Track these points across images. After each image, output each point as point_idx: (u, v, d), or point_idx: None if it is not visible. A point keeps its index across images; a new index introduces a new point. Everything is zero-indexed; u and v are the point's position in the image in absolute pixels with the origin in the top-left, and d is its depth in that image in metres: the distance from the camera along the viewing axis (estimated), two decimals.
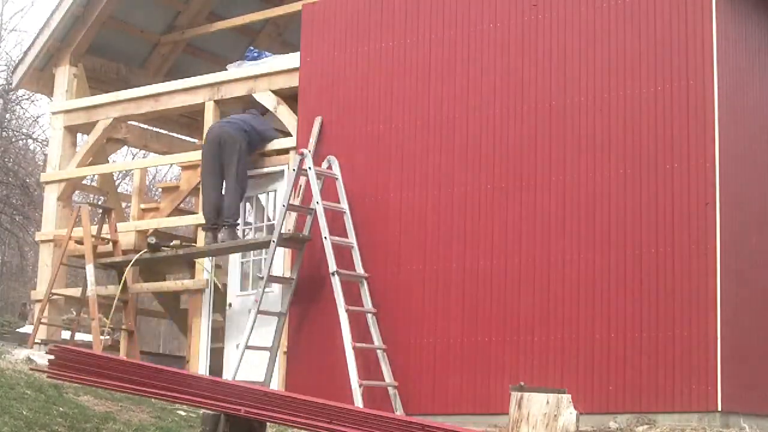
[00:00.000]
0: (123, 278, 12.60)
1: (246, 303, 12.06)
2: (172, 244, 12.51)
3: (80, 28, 14.15)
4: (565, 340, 9.91)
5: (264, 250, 11.65)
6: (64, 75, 14.25)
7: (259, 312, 11.00)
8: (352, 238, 11.08)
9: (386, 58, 11.45)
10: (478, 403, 10.23)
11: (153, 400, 8.43)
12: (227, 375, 11.02)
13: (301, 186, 11.31)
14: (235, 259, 12.41)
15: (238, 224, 11.97)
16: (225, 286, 12.41)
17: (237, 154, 11.64)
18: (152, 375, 6.60)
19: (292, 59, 12.28)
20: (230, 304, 12.32)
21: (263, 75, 12.46)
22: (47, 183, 14.32)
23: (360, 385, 10.26)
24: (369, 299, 10.88)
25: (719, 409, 9.11)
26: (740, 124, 10.13)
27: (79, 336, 14.26)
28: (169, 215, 13.55)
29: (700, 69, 9.70)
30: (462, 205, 10.73)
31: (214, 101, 12.81)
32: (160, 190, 17.40)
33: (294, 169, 11.20)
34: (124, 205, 15.13)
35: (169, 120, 15.57)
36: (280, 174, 12.06)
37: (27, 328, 18.76)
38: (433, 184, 10.93)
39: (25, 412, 7.24)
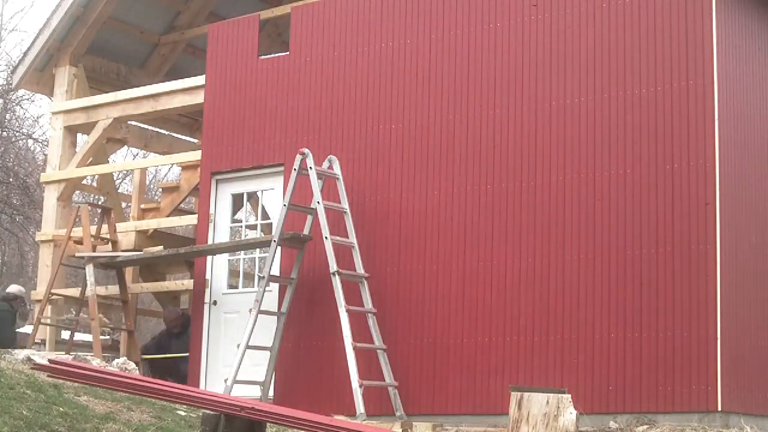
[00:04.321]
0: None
1: (234, 301, 12.09)
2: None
3: (80, 28, 14.15)
4: (565, 340, 9.91)
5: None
6: (64, 75, 14.27)
7: (259, 312, 11.00)
8: (352, 238, 11.08)
9: (386, 58, 11.46)
10: (478, 403, 10.24)
11: (153, 400, 8.43)
12: (228, 375, 11.01)
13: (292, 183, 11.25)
14: (222, 257, 12.39)
15: None
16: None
17: None
18: (148, 388, 6.62)
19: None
20: (215, 302, 12.31)
21: None
22: (47, 183, 14.33)
23: (360, 385, 10.26)
24: (369, 299, 10.88)
25: (719, 409, 9.11)
26: (740, 124, 10.13)
27: (79, 336, 14.26)
28: (169, 215, 13.56)
29: (700, 69, 9.70)
30: (462, 205, 10.74)
31: None
32: (160, 190, 17.42)
33: (296, 169, 11.20)
34: (124, 205, 15.14)
35: (169, 120, 15.57)
36: (278, 173, 12.04)
37: (27, 328, 18.77)
38: (433, 184, 10.94)
39: (25, 412, 7.23)
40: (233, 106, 12.52)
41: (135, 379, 6.78)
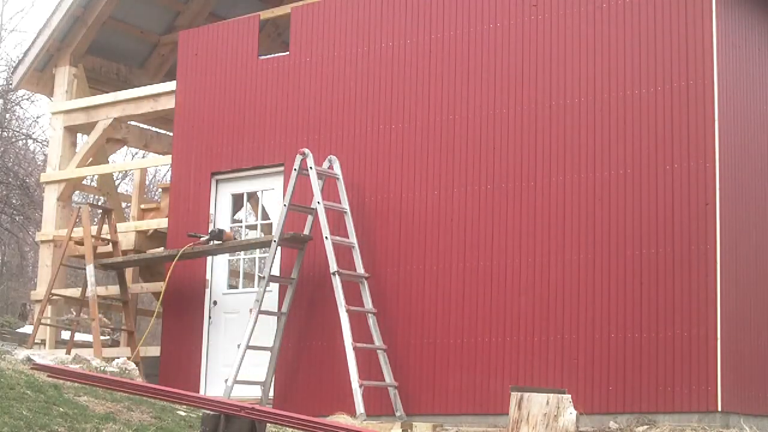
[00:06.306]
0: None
1: (234, 301, 12.08)
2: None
3: (80, 28, 14.16)
4: (565, 340, 9.91)
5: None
6: (64, 75, 14.27)
7: (260, 312, 11.00)
8: (352, 238, 11.08)
9: (386, 58, 11.46)
10: (478, 403, 10.24)
11: (153, 400, 8.44)
12: (228, 376, 11.01)
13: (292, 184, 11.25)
14: (222, 257, 12.38)
15: None
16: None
17: None
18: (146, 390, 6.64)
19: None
20: (215, 302, 12.30)
21: None
22: (47, 183, 14.33)
23: (360, 385, 10.26)
24: (369, 299, 10.89)
25: (719, 409, 9.11)
26: (740, 124, 10.13)
27: (79, 336, 14.27)
28: (169, 215, 13.54)
29: (700, 69, 9.71)
30: (462, 205, 10.74)
31: None
32: (160, 190, 17.41)
33: (296, 169, 11.21)
34: (124, 205, 15.14)
35: (169, 120, 15.56)
36: (279, 173, 12.04)
37: (27, 328, 18.78)
38: (433, 184, 10.94)
39: (25, 412, 7.24)
40: (233, 106, 12.53)
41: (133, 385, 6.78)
